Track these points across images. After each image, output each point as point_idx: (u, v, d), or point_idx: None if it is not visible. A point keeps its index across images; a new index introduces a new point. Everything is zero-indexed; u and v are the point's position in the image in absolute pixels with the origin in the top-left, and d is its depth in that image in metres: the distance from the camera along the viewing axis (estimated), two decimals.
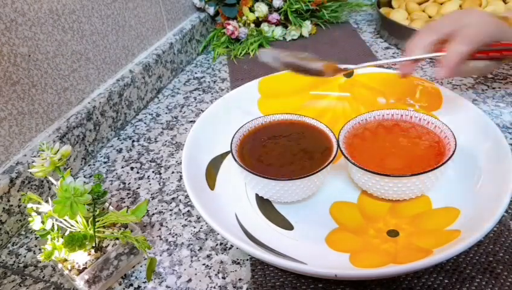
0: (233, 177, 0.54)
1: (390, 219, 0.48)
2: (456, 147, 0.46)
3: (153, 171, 0.63)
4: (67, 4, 0.60)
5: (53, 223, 0.44)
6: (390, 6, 1.00)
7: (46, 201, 0.45)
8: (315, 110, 0.60)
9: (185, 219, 0.55)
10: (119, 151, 0.68)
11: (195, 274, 0.48)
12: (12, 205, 0.53)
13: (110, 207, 0.49)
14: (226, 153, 0.56)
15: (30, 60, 0.56)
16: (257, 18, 0.92)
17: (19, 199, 0.54)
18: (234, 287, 0.46)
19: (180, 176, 0.62)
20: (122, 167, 0.65)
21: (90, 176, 0.64)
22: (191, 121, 0.74)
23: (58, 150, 0.44)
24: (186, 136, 0.57)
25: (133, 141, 0.70)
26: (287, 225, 0.49)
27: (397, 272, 0.38)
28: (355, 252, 0.44)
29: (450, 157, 0.45)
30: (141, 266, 0.49)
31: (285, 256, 0.43)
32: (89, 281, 0.45)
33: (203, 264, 0.49)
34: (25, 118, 0.57)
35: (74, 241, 0.43)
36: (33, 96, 0.57)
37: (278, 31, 0.94)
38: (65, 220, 0.45)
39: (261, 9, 0.91)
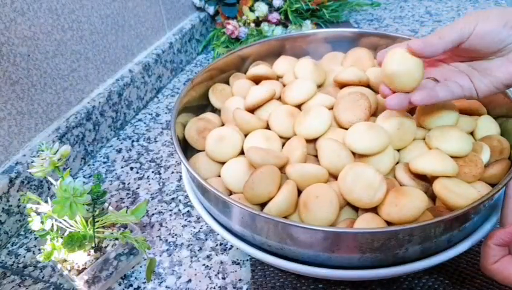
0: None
1: None
2: None
3: (152, 171, 0.63)
4: (66, 4, 0.60)
5: (52, 224, 0.44)
6: None
7: (46, 201, 0.45)
8: None
9: (185, 219, 0.55)
10: (119, 151, 0.68)
11: (195, 275, 0.48)
12: (11, 205, 0.53)
13: (110, 207, 0.49)
14: None
15: (29, 59, 0.56)
16: (257, 17, 0.92)
17: (18, 199, 0.54)
18: (234, 287, 0.46)
19: (180, 176, 0.62)
20: (122, 167, 0.65)
21: (90, 176, 0.63)
22: None
23: (58, 150, 0.44)
24: None
25: (133, 141, 0.70)
26: None
27: (397, 273, 0.38)
28: None
29: None
30: (141, 267, 0.49)
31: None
32: (88, 281, 0.45)
33: (203, 265, 0.49)
34: (24, 117, 0.56)
35: (74, 242, 0.43)
36: (32, 96, 0.57)
37: (278, 31, 0.93)
38: (64, 220, 0.44)
39: (261, 8, 0.91)
